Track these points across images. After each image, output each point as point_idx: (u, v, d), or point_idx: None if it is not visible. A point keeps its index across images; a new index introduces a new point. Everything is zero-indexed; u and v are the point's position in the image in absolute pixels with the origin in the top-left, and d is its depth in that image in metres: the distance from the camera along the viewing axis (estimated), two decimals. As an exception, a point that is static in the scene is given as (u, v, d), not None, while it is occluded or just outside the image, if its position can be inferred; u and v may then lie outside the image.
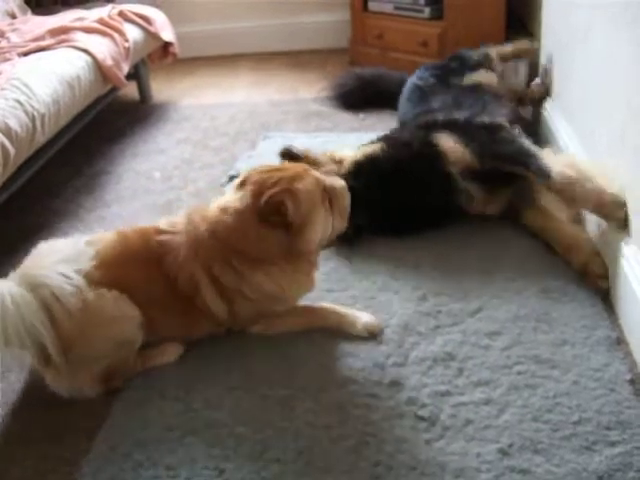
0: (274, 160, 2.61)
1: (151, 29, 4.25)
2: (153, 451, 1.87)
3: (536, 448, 1.75)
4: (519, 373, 1.99)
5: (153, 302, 2.13)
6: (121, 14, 4.12)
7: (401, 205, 2.71)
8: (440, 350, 2.11)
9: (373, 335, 2.21)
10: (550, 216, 2.57)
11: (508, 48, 3.67)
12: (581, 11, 2.74)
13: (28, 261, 2.07)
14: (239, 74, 5.13)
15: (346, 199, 2.23)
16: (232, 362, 2.16)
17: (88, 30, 3.78)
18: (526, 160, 2.58)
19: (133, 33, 4.06)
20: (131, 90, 4.50)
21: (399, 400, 1.94)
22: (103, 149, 3.90)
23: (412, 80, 3.55)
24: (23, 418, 2.05)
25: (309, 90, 4.47)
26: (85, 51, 3.53)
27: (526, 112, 3.63)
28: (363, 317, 2.25)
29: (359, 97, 4.05)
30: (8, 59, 3.30)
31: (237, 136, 3.90)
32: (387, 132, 3.01)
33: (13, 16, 4.38)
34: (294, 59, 5.27)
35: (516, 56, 3.69)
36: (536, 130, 3.39)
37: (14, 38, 3.75)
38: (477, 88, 3.28)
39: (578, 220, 2.59)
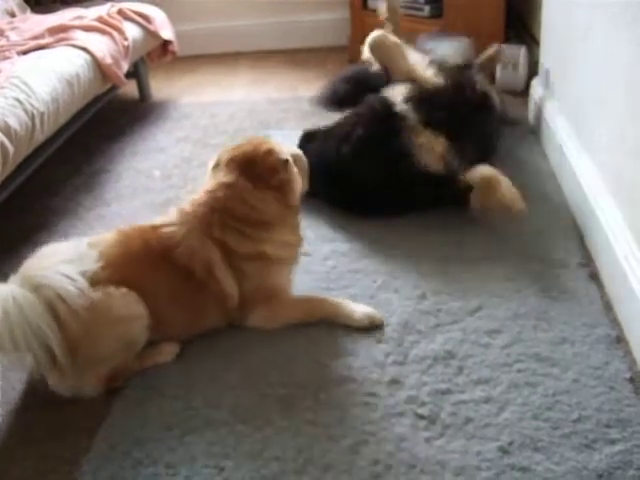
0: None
1: (150, 27, 4.25)
2: (153, 449, 1.87)
3: (536, 446, 1.75)
4: (519, 371, 2.00)
5: (161, 299, 2.14)
6: (120, 12, 4.12)
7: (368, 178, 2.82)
8: (440, 348, 2.11)
9: (374, 324, 2.24)
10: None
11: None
12: (581, 11, 2.74)
13: (30, 263, 2.06)
14: (239, 72, 5.13)
15: (305, 163, 2.40)
16: (231, 360, 2.16)
17: (87, 28, 3.78)
18: None
19: (132, 31, 4.06)
20: (131, 88, 4.49)
21: (399, 398, 1.94)
22: (103, 147, 3.89)
23: None
24: (23, 418, 2.05)
25: (309, 88, 4.45)
26: (84, 49, 3.53)
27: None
28: (361, 308, 2.28)
29: (346, 97, 3.96)
30: (7, 57, 3.30)
31: (236, 134, 3.89)
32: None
33: (12, 15, 4.38)
34: (294, 57, 5.26)
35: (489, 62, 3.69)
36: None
37: (13, 36, 3.75)
38: None
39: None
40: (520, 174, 3.08)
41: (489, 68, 3.67)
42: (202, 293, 2.19)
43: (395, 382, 2.00)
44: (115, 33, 3.86)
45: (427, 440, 1.81)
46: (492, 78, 3.64)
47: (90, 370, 2.04)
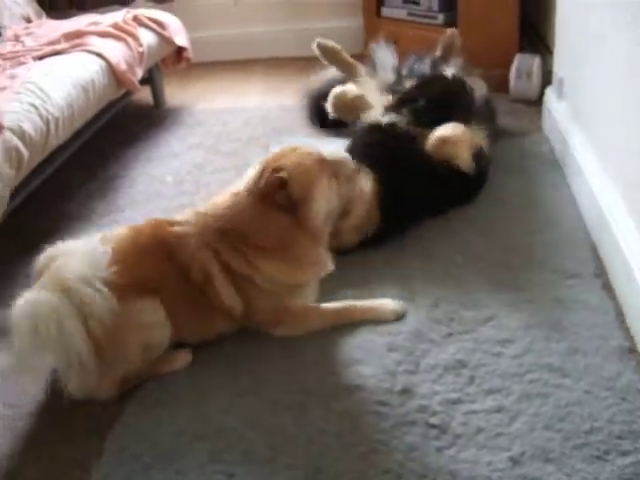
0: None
1: (165, 34, 4.26)
2: (163, 455, 1.87)
3: (547, 457, 1.75)
4: (531, 381, 1.99)
5: (170, 299, 2.12)
6: (135, 19, 4.13)
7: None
8: (452, 358, 2.11)
9: (400, 316, 2.27)
10: None
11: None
12: (595, 20, 2.74)
13: (50, 267, 2.06)
14: (252, 79, 5.13)
15: (350, 166, 2.30)
16: (242, 368, 2.16)
17: (103, 34, 3.80)
18: None
19: (147, 38, 4.07)
20: (145, 95, 4.51)
21: (410, 407, 1.94)
22: (117, 153, 3.90)
23: None
24: (36, 420, 2.06)
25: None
26: (99, 55, 3.55)
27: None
28: (386, 306, 2.30)
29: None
30: (23, 63, 3.32)
31: (250, 141, 3.89)
32: None
33: (28, 20, 4.40)
34: (308, 64, 5.25)
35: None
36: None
37: (29, 42, 3.77)
38: None
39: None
40: (533, 183, 3.09)
41: (450, 54, 3.65)
42: (207, 299, 2.17)
43: (406, 391, 2.00)
44: (130, 39, 3.87)
45: (438, 450, 1.80)
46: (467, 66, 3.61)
47: (109, 374, 2.04)
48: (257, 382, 2.10)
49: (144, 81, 4.11)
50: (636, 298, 2.12)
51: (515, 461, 1.74)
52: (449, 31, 3.73)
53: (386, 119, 2.96)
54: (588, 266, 2.48)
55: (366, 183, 2.63)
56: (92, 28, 3.87)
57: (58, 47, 3.57)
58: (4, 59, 3.40)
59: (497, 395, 1.95)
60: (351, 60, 3.71)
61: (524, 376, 2.01)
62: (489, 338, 2.18)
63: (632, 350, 2.07)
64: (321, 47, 3.79)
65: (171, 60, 4.54)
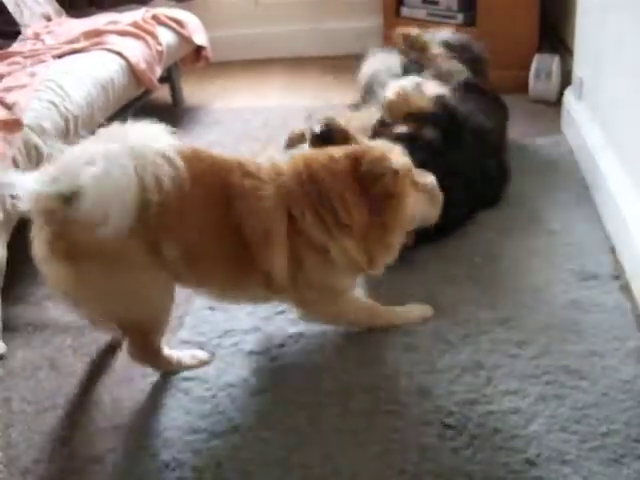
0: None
1: (184, 33, 4.28)
2: (179, 452, 1.88)
3: (564, 459, 1.74)
4: (547, 383, 1.98)
5: (206, 241, 2.01)
6: (154, 18, 4.15)
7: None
8: (468, 359, 2.10)
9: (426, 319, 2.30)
10: None
11: None
12: (615, 19, 2.73)
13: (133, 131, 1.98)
14: (272, 78, 5.14)
15: (435, 188, 2.28)
16: (258, 366, 2.17)
17: (122, 33, 3.81)
18: None
19: (166, 37, 4.08)
20: (163, 93, 4.52)
21: (426, 408, 1.94)
22: (135, 151, 3.91)
23: None
24: (53, 417, 2.07)
25: (342, 96, 4.45)
26: (119, 54, 3.56)
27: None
28: (414, 312, 2.31)
29: None
30: (43, 61, 3.33)
31: (269, 141, 3.90)
32: None
33: (48, 18, 4.43)
34: (327, 64, 5.26)
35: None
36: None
37: (49, 40, 3.79)
38: None
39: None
40: (551, 184, 3.07)
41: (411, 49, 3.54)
42: (247, 255, 2.03)
43: (423, 391, 2.00)
44: (149, 38, 3.89)
45: (454, 450, 1.80)
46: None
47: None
48: (272, 381, 2.10)
49: (163, 80, 4.13)
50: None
51: (531, 463, 1.74)
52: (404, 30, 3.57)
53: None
54: (606, 268, 2.47)
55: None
56: (111, 27, 3.89)
57: (77, 46, 3.58)
58: (24, 57, 3.42)
59: (514, 396, 1.95)
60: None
61: (541, 378, 2.00)
62: (506, 339, 2.17)
63: (650, 353, 2.07)
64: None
65: (190, 59, 4.56)
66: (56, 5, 4.69)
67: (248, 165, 2.05)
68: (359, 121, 2.89)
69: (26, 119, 2.66)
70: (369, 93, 3.42)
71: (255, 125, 4.19)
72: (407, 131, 2.75)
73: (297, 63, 5.40)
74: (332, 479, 1.76)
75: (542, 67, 4.02)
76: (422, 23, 4.53)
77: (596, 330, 2.17)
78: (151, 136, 1.95)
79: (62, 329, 2.45)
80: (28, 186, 1.83)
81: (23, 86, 2.92)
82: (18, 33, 3.99)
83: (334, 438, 1.87)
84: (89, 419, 2.05)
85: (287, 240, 2.03)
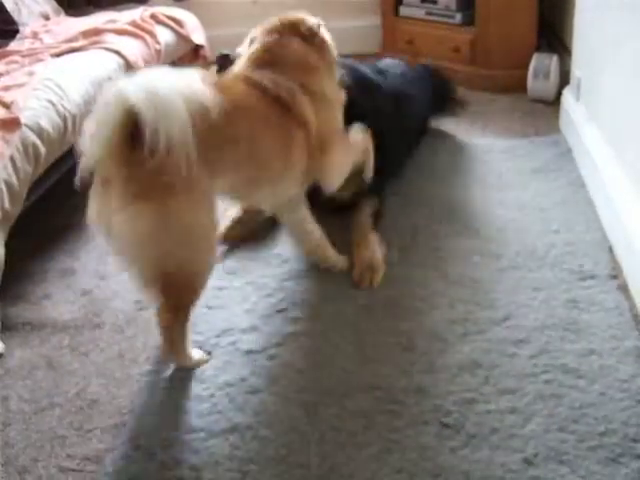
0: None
1: (182, 32, 4.27)
2: (177, 452, 1.88)
3: (561, 459, 1.74)
4: (545, 382, 1.98)
5: (258, 136, 2.18)
6: (153, 17, 4.14)
7: None
8: (466, 358, 2.11)
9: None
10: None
11: None
12: (613, 19, 2.73)
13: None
14: (269, 78, 5.12)
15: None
16: (257, 365, 2.17)
17: (120, 32, 3.80)
18: None
19: (165, 36, 4.08)
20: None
21: (424, 407, 1.94)
22: (133, 150, 3.91)
23: None
24: (50, 416, 2.07)
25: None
26: (117, 53, 3.55)
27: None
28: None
29: None
30: (41, 60, 3.33)
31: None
32: None
33: (47, 17, 4.42)
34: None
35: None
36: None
37: (47, 39, 3.78)
38: None
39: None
40: (549, 184, 3.08)
41: None
42: (291, 123, 2.26)
43: (421, 390, 2.00)
44: (148, 37, 3.88)
45: (452, 450, 1.80)
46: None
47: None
48: (270, 379, 2.10)
49: (161, 79, 4.11)
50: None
51: (529, 462, 1.74)
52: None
53: None
54: (604, 267, 2.47)
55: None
56: (110, 26, 3.87)
57: (76, 44, 3.57)
58: (22, 56, 3.41)
59: (511, 396, 1.95)
60: None
61: (539, 377, 2.01)
62: (504, 338, 2.17)
63: (648, 352, 2.07)
64: None
65: (188, 58, 4.54)
66: (54, 4, 4.68)
67: (252, 77, 2.27)
68: None
69: (24, 118, 2.65)
70: None
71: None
72: None
73: (295, 62, 5.38)
74: (330, 478, 1.76)
75: (540, 67, 4.02)
76: (421, 23, 4.56)
77: (594, 329, 2.17)
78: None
79: (60, 328, 2.45)
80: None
81: (21, 85, 2.92)
82: (16, 32, 3.98)
83: (332, 437, 1.87)
84: (87, 418, 2.05)
85: (305, 97, 2.31)
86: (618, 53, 2.65)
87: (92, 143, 1.92)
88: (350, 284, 2.50)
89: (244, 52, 2.44)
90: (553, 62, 3.99)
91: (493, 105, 4.09)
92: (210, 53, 4.55)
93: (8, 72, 3.14)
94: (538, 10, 4.18)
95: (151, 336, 2.35)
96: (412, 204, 2.99)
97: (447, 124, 3.82)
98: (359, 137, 2.61)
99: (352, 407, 1.97)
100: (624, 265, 2.43)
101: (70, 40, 3.66)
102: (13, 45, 3.74)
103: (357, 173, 2.67)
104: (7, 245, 2.44)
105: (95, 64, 3.36)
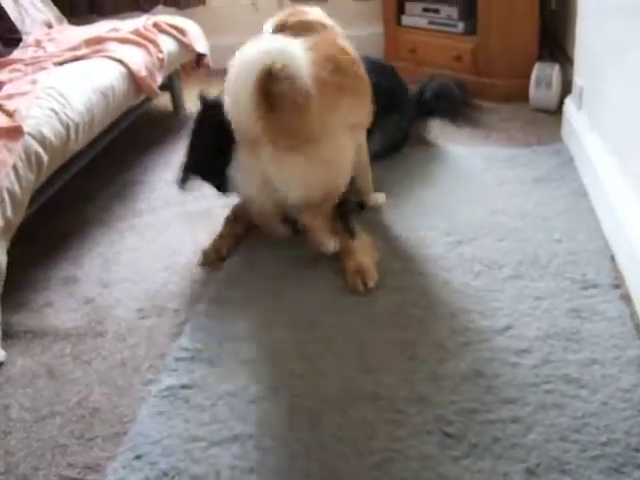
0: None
1: (185, 40, 4.28)
2: (178, 461, 1.87)
3: (563, 468, 1.73)
4: (547, 392, 1.98)
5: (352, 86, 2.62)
6: (156, 25, 4.15)
7: None
8: (469, 367, 2.10)
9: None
10: None
11: None
12: (614, 26, 2.73)
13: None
14: (271, 86, 5.13)
15: None
16: (258, 373, 2.16)
17: (123, 41, 3.81)
18: None
19: (167, 44, 4.09)
20: (164, 100, 4.53)
21: (426, 416, 1.93)
22: (136, 158, 3.92)
23: None
24: (51, 425, 2.07)
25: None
26: (120, 61, 3.56)
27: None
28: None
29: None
30: (44, 68, 3.34)
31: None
32: None
33: (50, 26, 4.43)
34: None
35: None
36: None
37: (50, 48, 3.79)
38: None
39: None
40: (551, 193, 3.08)
41: None
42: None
43: (423, 400, 1.99)
44: (150, 46, 3.89)
45: (454, 459, 1.79)
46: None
47: None
48: (272, 388, 2.10)
49: (163, 87, 4.13)
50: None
51: (531, 472, 1.73)
52: None
53: None
54: (606, 276, 2.47)
55: None
56: (112, 34, 3.89)
57: (79, 53, 3.58)
58: (25, 64, 3.43)
59: (513, 405, 1.94)
60: None
61: (541, 386, 2.00)
62: (506, 348, 2.17)
63: (650, 362, 2.06)
64: None
65: (191, 66, 4.57)
66: (57, 12, 4.69)
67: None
68: None
69: (27, 126, 2.66)
70: None
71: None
72: None
73: (298, 71, 5.39)
74: (332, 488, 1.76)
75: (542, 76, 4.02)
76: (424, 32, 4.57)
77: (596, 339, 2.17)
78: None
79: (62, 336, 2.45)
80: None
81: (24, 93, 2.92)
82: (20, 40, 4.00)
83: (334, 447, 1.87)
84: (88, 427, 2.04)
85: None
86: (620, 62, 2.66)
87: (237, 111, 2.31)
88: (352, 293, 2.49)
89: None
90: (555, 71, 3.99)
91: (495, 114, 4.09)
92: (212, 61, 4.56)
93: (11, 80, 3.15)
94: (540, 19, 4.19)
95: (153, 345, 2.35)
96: (413, 214, 2.99)
97: (449, 133, 3.82)
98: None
99: (354, 416, 1.96)
100: (626, 274, 2.43)
101: (73, 49, 3.67)
102: (16, 53, 3.75)
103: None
104: (9, 253, 2.45)
105: (98, 73, 3.37)
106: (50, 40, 3.96)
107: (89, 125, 3.08)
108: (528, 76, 4.08)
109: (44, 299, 2.66)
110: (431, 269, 2.61)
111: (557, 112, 3.89)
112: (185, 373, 2.19)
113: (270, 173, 2.43)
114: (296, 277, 2.64)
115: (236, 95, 2.27)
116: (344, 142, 2.53)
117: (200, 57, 4.50)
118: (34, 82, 3.06)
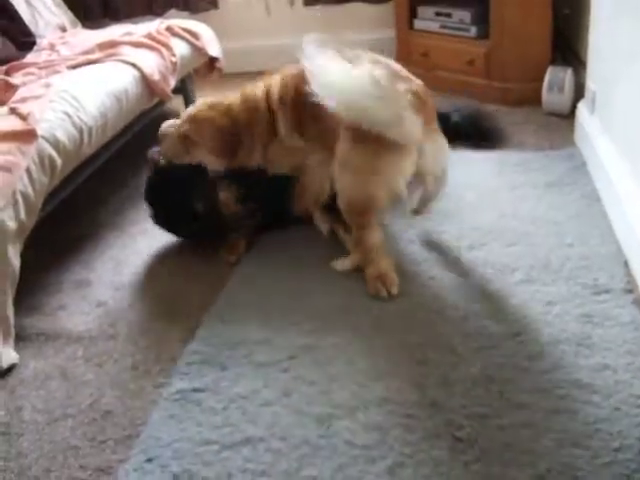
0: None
1: (198, 44, 4.30)
2: (190, 464, 1.88)
3: (575, 474, 1.73)
4: (559, 397, 1.97)
5: None
6: (169, 29, 4.17)
7: None
8: (480, 372, 2.10)
9: None
10: None
11: None
12: (627, 31, 2.72)
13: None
14: (284, 90, 5.14)
15: None
16: (270, 377, 2.17)
17: (136, 44, 3.83)
18: None
19: (180, 48, 4.10)
20: (177, 104, 4.54)
21: (437, 421, 1.93)
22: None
23: None
24: (63, 427, 2.08)
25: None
26: (133, 65, 3.57)
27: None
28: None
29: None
30: (58, 71, 3.35)
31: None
32: None
33: (64, 29, 4.45)
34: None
35: None
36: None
37: (64, 51, 3.81)
38: None
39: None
40: (564, 197, 3.07)
41: None
42: None
43: (434, 404, 1.99)
44: (163, 49, 3.90)
45: (465, 464, 1.79)
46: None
47: None
48: (284, 392, 2.10)
49: (176, 91, 4.14)
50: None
51: (542, 478, 1.73)
52: None
53: None
54: (619, 281, 2.46)
55: None
56: (126, 38, 3.90)
57: (92, 57, 3.60)
58: (39, 68, 3.44)
59: (525, 410, 1.94)
60: None
61: (552, 392, 2.00)
62: (518, 353, 2.17)
63: (663, 367, 2.06)
64: None
65: (203, 70, 4.58)
66: (71, 16, 4.72)
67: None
68: None
69: (40, 130, 2.67)
70: None
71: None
72: None
73: (310, 74, 5.40)
74: (342, 492, 1.76)
75: (555, 80, 4.02)
76: (436, 36, 4.57)
77: (608, 344, 2.16)
78: None
79: (74, 339, 2.46)
80: None
81: (38, 97, 2.94)
82: (33, 44, 4.02)
83: (345, 451, 1.87)
84: (100, 429, 2.05)
85: None
86: (633, 66, 2.65)
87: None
88: (363, 297, 2.49)
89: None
90: (568, 75, 3.98)
91: (507, 118, 4.08)
92: (225, 65, 4.58)
93: (25, 84, 3.17)
94: (553, 23, 4.18)
95: (165, 348, 2.36)
96: (424, 218, 2.98)
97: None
98: None
99: (365, 420, 1.96)
100: (639, 279, 2.42)
101: (86, 52, 3.69)
102: (30, 57, 3.77)
103: None
104: (22, 256, 2.46)
105: (111, 76, 3.38)
106: (64, 44, 3.98)
107: (102, 129, 3.09)
108: (541, 80, 4.07)
109: (57, 302, 2.68)
110: (442, 273, 2.61)
111: (570, 116, 3.89)
112: (197, 376, 2.20)
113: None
114: (308, 280, 2.65)
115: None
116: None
117: (213, 60, 4.51)
118: (48, 85, 3.08)
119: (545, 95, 4.07)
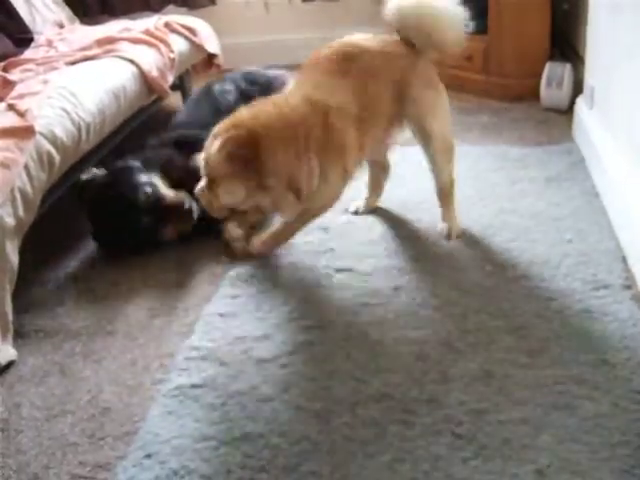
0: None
1: (196, 40, 4.29)
2: (188, 460, 1.87)
3: (574, 470, 1.73)
4: (559, 393, 1.97)
5: None
6: (167, 25, 4.16)
7: None
8: (479, 368, 2.10)
9: None
10: None
11: None
12: (626, 26, 2.72)
13: None
14: (282, 86, 5.14)
15: None
16: (268, 373, 2.16)
17: (134, 41, 3.82)
18: None
19: (178, 44, 4.10)
20: (175, 100, 4.53)
21: (437, 417, 1.93)
22: (146, 158, 3.92)
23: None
24: (62, 423, 2.07)
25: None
26: (131, 61, 3.57)
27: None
28: None
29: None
30: (55, 68, 3.35)
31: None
32: None
33: (61, 26, 4.45)
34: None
35: None
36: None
37: (62, 47, 3.80)
38: None
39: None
40: (563, 193, 3.07)
41: None
42: None
43: (433, 400, 1.99)
44: (161, 46, 3.90)
45: (464, 460, 1.79)
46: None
47: None
48: (283, 388, 2.10)
49: (175, 87, 4.14)
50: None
51: (541, 473, 1.73)
52: None
53: None
54: (618, 277, 2.46)
55: None
56: (124, 34, 3.90)
57: (90, 53, 3.59)
58: (37, 64, 3.44)
59: (524, 406, 1.94)
60: None
61: (552, 387, 1.99)
62: (517, 348, 2.16)
63: (662, 363, 2.06)
64: None
65: (202, 66, 4.58)
66: (69, 12, 4.71)
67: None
68: None
69: (38, 126, 2.67)
70: None
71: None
72: None
73: (308, 70, 5.39)
74: (342, 488, 1.75)
75: (553, 75, 4.02)
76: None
77: (608, 340, 2.16)
78: None
79: (73, 335, 2.45)
80: None
81: (36, 93, 2.93)
82: (31, 40, 4.01)
83: (344, 446, 1.87)
84: (99, 426, 2.05)
85: None
86: (632, 61, 2.64)
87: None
88: (362, 293, 2.49)
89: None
90: (566, 71, 3.98)
91: (506, 114, 4.08)
92: (223, 61, 4.57)
93: (23, 80, 3.16)
94: (551, 19, 4.18)
95: (163, 344, 2.36)
96: (424, 213, 2.98)
97: (459, 132, 3.81)
98: None
99: (364, 416, 1.96)
100: (638, 275, 2.42)
101: (85, 48, 3.68)
102: (28, 53, 3.77)
103: None
104: (20, 252, 2.45)
105: (109, 73, 3.38)
106: (62, 40, 3.98)
107: (100, 125, 3.09)
108: (539, 76, 4.07)
109: (55, 298, 2.67)
110: (442, 269, 2.61)
111: (568, 112, 3.88)
112: (195, 372, 2.20)
113: None
114: (308, 276, 2.64)
115: None
116: None
117: (211, 57, 4.51)
118: (46, 82, 3.07)
119: (544, 90, 4.07)
